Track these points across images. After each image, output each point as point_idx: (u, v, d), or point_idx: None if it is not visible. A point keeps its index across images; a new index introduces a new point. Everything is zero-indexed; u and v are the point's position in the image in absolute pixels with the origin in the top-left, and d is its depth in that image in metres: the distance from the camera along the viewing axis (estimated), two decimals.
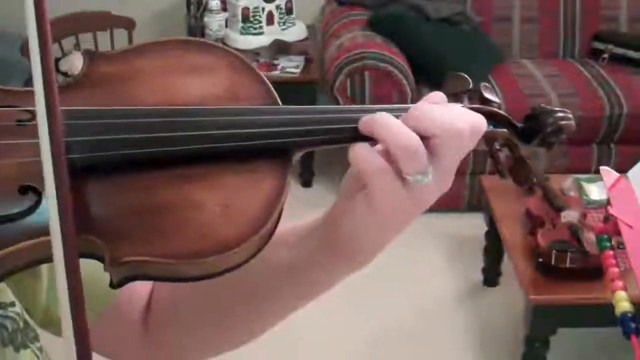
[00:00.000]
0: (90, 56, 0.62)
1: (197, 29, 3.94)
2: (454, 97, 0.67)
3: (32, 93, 0.54)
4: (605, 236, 0.69)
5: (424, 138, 0.59)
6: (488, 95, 0.68)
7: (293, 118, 0.61)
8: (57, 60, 3.52)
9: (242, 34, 3.92)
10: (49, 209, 0.48)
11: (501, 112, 0.68)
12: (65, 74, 3.45)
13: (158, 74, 0.62)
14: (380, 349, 2.84)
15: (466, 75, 0.68)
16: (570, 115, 0.69)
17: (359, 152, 0.60)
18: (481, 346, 2.84)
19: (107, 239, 0.54)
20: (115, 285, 0.55)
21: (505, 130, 0.68)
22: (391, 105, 0.64)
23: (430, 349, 2.84)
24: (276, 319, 0.78)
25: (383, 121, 0.59)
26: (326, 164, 3.68)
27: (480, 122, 0.62)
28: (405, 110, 0.61)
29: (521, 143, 0.69)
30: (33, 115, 0.56)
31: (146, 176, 0.57)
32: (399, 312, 3.00)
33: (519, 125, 0.69)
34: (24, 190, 0.54)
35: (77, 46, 3.62)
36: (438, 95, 0.64)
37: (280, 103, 0.63)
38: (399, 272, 3.15)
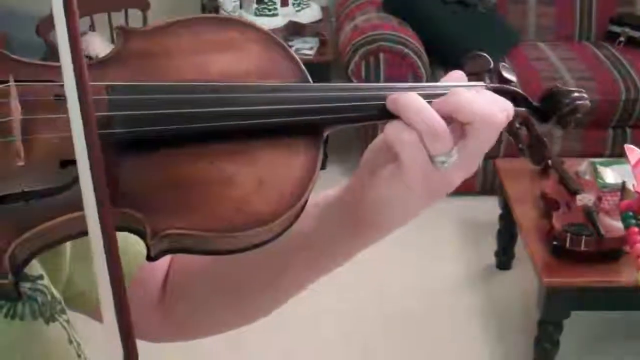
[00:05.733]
0: (125, 33, 0.62)
1: (211, 9, 3.94)
2: (475, 77, 0.69)
3: None
4: (630, 213, 0.69)
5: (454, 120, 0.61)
6: (507, 74, 0.70)
7: (327, 95, 0.62)
8: None
9: (256, 15, 3.91)
10: (82, 185, 0.49)
11: (521, 91, 0.70)
12: None
13: (191, 51, 0.62)
14: (392, 331, 2.85)
15: (487, 55, 0.70)
16: (586, 95, 0.71)
17: (394, 127, 0.61)
18: (494, 329, 2.84)
19: (147, 213, 0.55)
20: (153, 258, 0.56)
21: (523, 109, 0.70)
22: (427, 84, 0.65)
23: (443, 332, 2.85)
24: (293, 292, 0.79)
25: (407, 101, 0.60)
26: (340, 147, 3.68)
27: (511, 111, 0.64)
28: (440, 89, 0.63)
29: (538, 122, 0.71)
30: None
31: (184, 151, 0.58)
32: (411, 294, 3.01)
33: (537, 104, 0.71)
34: (65, 164, 0.54)
35: (92, 27, 3.62)
36: (458, 73, 0.66)
37: (310, 80, 0.63)
38: (413, 254, 3.15)
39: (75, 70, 0.49)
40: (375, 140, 0.68)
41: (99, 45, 3.40)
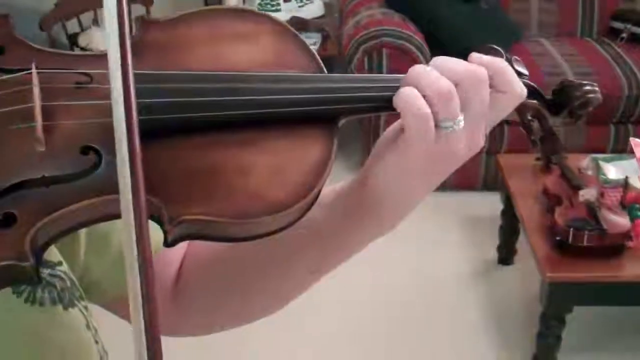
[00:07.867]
0: (143, 23, 0.63)
1: (214, 4, 3.94)
2: None
3: (85, 57, 0.58)
4: (637, 205, 0.70)
5: None
6: (519, 68, 0.70)
7: (344, 85, 0.63)
8: (76, 35, 3.53)
9: (259, 10, 3.91)
10: (120, 173, 0.49)
11: (532, 84, 0.71)
12: (83, 49, 3.46)
13: (208, 41, 0.63)
14: (394, 326, 2.86)
15: (499, 48, 0.70)
16: (597, 89, 0.71)
17: (406, 92, 0.62)
18: (496, 324, 2.85)
19: (165, 199, 0.55)
20: (169, 243, 0.56)
21: (535, 101, 0.70)
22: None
23: (445, 326, 2.85)
24: (301, 288, 0.79)
25: (419, 70, 0.63)
26: (344, 143, 3.68)
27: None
28: None
29: (550, 115, 0.71)
30: (91, 78, 0.58)
31: (201, 139, 0.58)
32: (413, 289, 3.01)
33: (549, 97, 0.71)
34: (85, 150, 0.55)
35: (95, 21, 3.62)
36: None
37: (325, 71, 0.64)
38: (414, 249, 3.16)
39: (122, 55, 0.51)
40: (385, 132, 0.68)
41: (102, 40, 3.39)
